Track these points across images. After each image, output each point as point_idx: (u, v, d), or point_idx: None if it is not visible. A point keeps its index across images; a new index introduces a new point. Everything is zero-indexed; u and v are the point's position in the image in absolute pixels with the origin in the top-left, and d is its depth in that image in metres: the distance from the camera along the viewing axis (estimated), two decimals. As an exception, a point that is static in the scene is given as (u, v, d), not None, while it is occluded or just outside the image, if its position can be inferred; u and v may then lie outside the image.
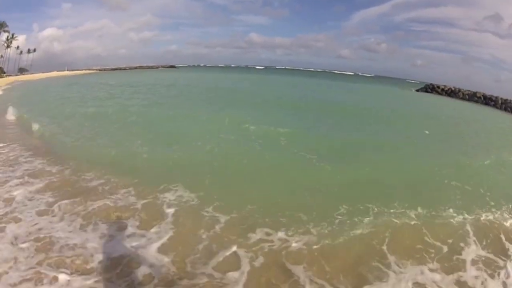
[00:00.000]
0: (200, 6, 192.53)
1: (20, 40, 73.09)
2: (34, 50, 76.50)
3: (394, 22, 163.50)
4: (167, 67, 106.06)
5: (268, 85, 41.82)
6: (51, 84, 33.28)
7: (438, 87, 50.46)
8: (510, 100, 35.12)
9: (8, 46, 65.47)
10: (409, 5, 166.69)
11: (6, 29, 63.81)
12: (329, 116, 18.20)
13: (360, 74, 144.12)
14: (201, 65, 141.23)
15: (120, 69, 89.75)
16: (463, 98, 43.49)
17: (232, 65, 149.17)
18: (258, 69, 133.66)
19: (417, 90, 57.36)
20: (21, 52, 71.47)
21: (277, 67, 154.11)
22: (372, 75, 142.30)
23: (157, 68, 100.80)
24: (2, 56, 64.84)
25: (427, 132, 15.30)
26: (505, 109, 35.14)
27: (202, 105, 19.53)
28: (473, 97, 41.83)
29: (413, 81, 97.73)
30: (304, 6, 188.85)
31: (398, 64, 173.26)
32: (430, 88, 52.67)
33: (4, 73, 61.27)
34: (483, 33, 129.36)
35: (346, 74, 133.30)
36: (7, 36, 65.12)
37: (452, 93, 46.77)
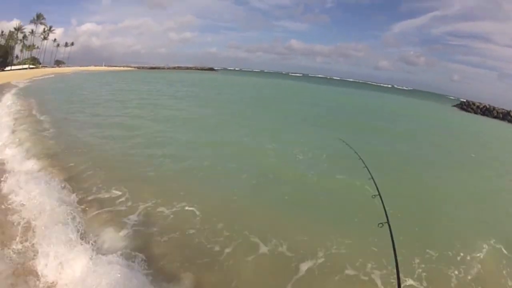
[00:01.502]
0: (241, 9, 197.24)
1: (58, 33, 76.01)
2: (72, 44, 79.57)
3: (432, 35, 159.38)
4: (206, 69, 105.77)
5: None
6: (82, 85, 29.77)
7: (473, 104, 50.90)
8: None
9: (44, 38, 66.51)
10: (447, 18, 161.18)
11: (43, 21, 64.74)
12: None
13: (396, 86, 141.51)
14: (242, 69, 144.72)
15: (158, 68, 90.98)
16: (497, 117, 44.04)
17: (270, 71, 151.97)
18: (295, 76, 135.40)
19: (454, 106, 58.04)
20: (58, 44, 73.79)
21: (315, 75, 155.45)
22: (410, 88, 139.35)
23: (195, 69, 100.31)
24: (38, 47, 65.62)
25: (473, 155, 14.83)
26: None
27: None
28: (507, 116, 42.37)
29: (451, 97, 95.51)
30: (345, 14, 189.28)
31: (436, 78, 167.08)
32: (465, 105, 53.13)
33: (40, 64, 64.21)
34: None
35: (384, 86, 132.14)
36: (44, 28, 66.03)
37: (486, 111, 47.25)
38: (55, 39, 72.52)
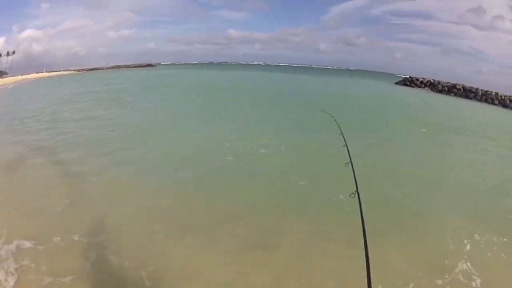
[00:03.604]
0: (179, 2, 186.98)
1: (0, 42, 74.30)
2: (14, 53, 76.00)
3: (372, 15, 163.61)
4: (144, 65, 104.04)
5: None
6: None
7: (417, 79, 49.51)
8: (491, 92, 34.14)
9: None
10: None
11: None
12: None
13: (338, 68, 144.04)
14: (181, 63, 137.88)
15: (98, 69, 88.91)
16: (442, 91, 42.48)
17: (209, 62, 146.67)
18: (234, 65, 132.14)
19: (396, 83, 56.58)
20: (0, 55, 70.54)
21: (254, 62, 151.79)
22: (353, 69, 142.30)
23: (134, 67, 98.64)
24: None
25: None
26: (486, 101, 34.19)
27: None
28: (452, 89, 40.86)
29: (399, 75, 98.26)
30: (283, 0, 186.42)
31: (378, 57, 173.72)
32: (409, 81, 51.70)
33: None
34: (462, 25, 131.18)
35: (326, 68, 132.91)
36: None
37: (431, 85, 45.78)
38: None
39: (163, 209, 6.56)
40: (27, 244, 5.17)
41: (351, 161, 3.76)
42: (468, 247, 5.58)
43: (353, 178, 3.31)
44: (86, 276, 4.52)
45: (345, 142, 4.63)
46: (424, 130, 15.81)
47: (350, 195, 2.98)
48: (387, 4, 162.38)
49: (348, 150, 4.22)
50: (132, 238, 5.49)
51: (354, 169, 3.56)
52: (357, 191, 2.99)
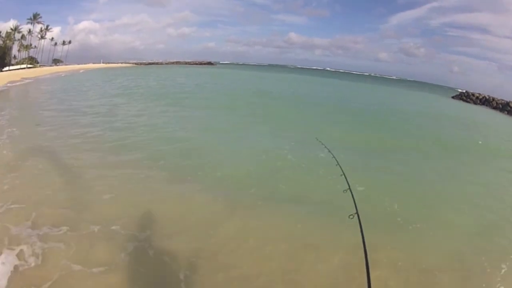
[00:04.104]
0: (239, 5, 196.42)
1: (55, 31, 73.76)
2: (70, 42, 77.85)
3: (430, 26, 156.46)
4: (205, 63, 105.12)
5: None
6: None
7: (473, 94, 50.46)
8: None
9: (42, 37, 65.60)
10: (445, 9, 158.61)
11: (39, 20, 63.97)
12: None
13: (395, 77, 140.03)
14: (240, 63, 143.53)
15: (157, 63, 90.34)
16: (496, 108, 43.67)
17: (270, 64, 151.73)
18: (294, 68, 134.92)
19: (453, 97, 57.42)
20: (55, 43, 72.66)
21: (313, 67, 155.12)
22: (411, 79, 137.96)
23: (194, 64, 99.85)
24: (35, 47, 64.81)
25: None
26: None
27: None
28: (506, 106, 41.99)
29: (458, 89, 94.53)
30: (343, 7, 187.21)
31: (436, 69, 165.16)
32: (465, 96, 52.67)
33: (38, 63, 63.35)
34: None
35: (384, 78, 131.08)
36: (41, 28, 65.18)
37: (486, 101, 46.84)
38: (52, 38, 71.60)
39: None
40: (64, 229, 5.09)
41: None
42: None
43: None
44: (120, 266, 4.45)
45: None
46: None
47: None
48: (445, 16, 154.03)
49: None
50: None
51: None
52: None
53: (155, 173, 7.95)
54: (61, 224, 5.23)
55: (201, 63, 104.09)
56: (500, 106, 43.02)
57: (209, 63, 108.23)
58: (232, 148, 10.94)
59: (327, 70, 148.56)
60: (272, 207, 6.66)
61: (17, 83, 27.86)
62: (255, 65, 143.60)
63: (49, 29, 68.05)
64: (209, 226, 5.69)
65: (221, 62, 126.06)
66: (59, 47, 75.84)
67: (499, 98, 44.48)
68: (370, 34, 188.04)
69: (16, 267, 4.18)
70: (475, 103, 48.98)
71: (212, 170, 8.41)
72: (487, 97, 46.83)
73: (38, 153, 8.67)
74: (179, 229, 5.54)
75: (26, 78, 31.44)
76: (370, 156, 11.22)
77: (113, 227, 5.32)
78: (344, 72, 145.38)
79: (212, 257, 4.85)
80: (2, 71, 49.07)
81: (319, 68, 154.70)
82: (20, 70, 49.89)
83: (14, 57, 61.09)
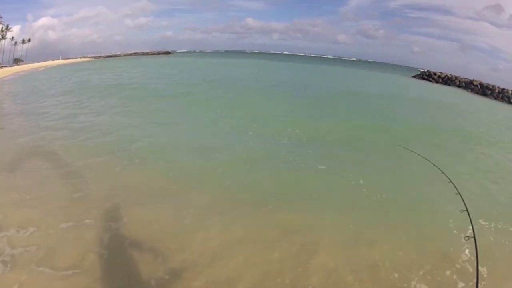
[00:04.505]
0: None
1: (15, 30, 73.37)
2: (29, 40, 76.96)
3: (389, 8, 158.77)
4: (162, 53, 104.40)
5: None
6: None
7: (435, 74, 49.43)
8: (507, 90, 34.32)
9: (2, 38, 65.40)
10: None
11: (0, 20, 63.69)
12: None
13: (354, 59, 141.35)
14: (197, 51, 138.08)
15: (115, 56, 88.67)
16: (459, 86, 42.61)
17: (225, 50, 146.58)
18: (251, 53, 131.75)
19: (414, 76, 56.47)
20: (15, 43, 71.80)
21: (271, 52, 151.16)
22: (370, 60, 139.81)
23: (152, 54, 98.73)
24: None
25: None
26: (502, 99, 34.43)
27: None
28: (469, 85, 40.96)
29: (420, 69, 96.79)
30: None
31: (396, 50, 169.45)
32: (426, 75, 51.60)
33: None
34: (479, 21, 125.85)
35: (344, 60, 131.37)
36: (1, 28, 64.92)
37: (448, 80, 45.81)
38: (12, 37, 69.87)
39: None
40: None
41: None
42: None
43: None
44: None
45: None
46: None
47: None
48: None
49: None
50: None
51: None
52: None
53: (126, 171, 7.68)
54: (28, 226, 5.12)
55: (158, 53, 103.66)
56: (463, 84, 41.97)
57: (167, 53, 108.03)
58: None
59: (285, 54, 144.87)
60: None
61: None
62: (212, 52, 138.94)
63: (9, 28, 66.84)
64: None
65: (178, 51, 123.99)
66: (19, 46, 74.42)
67: (462, 77, 43.43)
68: (329, 17, 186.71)
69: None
70: (437, 81, 47.95)
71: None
72: (450, 76, 45.87)
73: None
74: (152, 229, 5.32)
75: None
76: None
77: (83, 227, 5.25)
78: (304, 55, 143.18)
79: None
80: None
81: (277, 52, 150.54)
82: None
83: (-26, 60, 55.29)
